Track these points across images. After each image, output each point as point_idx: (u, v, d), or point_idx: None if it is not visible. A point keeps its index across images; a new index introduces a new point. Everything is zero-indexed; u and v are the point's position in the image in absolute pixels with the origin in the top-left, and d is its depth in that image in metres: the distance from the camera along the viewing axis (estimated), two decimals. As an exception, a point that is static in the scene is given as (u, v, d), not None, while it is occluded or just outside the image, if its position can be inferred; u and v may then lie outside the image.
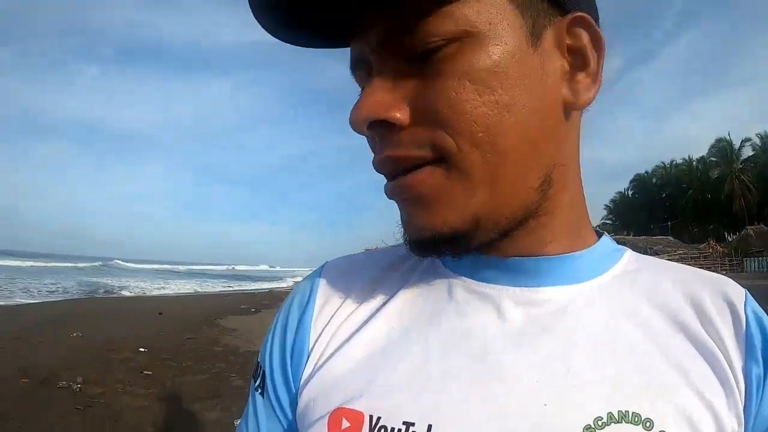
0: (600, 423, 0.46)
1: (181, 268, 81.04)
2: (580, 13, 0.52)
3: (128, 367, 7.33)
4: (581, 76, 0.53)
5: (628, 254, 0.61)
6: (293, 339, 0.60)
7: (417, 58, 0.48)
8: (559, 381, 0.49)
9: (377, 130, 0.50)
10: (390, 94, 0.49)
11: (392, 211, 0.57)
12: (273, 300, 20.89)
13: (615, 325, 0.52)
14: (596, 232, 0.62)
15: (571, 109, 0.53)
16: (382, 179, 0.55)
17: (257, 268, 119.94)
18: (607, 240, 0.61)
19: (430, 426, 0.47)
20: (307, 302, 0.62)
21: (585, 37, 0.52)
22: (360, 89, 0.55)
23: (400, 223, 0.56)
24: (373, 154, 0.54)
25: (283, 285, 40.29)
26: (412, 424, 0.47)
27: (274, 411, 0.60)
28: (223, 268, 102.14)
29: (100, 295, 22.24)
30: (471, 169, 0.48)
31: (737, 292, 0.55)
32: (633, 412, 0.46)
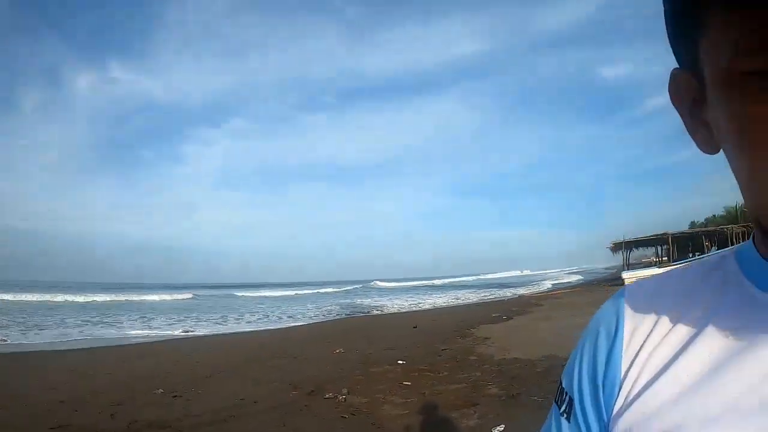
0: None
1: (437, 282, 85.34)
2: None
3: (388, 379, 7.94)
4: None
5: None
6: (604, 371, 0.61)
7: None
8: None
9: None
10: None
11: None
12: (523, 306, 20.78)
13: None
14: None
15: None
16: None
17: (507, 274, 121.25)
18: None
19: None
20: (615, 331, 0.62)
21: None
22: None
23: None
24: None
25: (535, 289, 39.81)
26: None
27: None
28: (473, 278, 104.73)
29: (360, 314, 24.15)
30: None
31: None
32: None
